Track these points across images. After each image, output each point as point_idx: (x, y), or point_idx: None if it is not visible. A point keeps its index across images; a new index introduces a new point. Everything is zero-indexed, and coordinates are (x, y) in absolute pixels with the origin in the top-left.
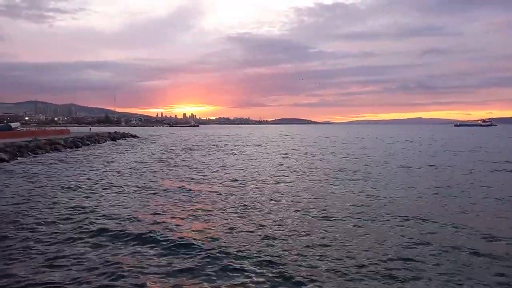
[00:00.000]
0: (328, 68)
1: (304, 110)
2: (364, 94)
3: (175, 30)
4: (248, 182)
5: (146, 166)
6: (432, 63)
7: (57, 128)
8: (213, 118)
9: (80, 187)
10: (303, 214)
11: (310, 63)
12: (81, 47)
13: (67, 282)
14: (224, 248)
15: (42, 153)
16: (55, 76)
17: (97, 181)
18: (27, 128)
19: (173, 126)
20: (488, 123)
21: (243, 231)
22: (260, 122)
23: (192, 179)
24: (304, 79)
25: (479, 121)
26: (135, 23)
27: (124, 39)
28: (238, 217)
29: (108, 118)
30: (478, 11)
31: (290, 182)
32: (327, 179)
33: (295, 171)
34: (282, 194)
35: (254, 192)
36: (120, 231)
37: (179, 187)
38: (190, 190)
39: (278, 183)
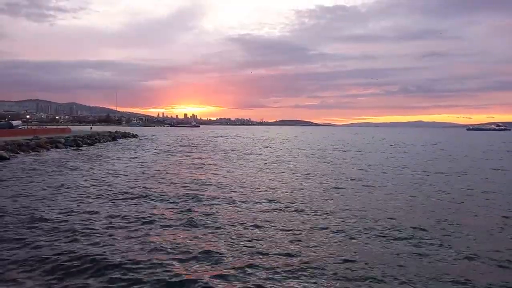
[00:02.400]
0: (329, 70)
1: (305, 111)
2: (365, 97)
3: (176, 30)
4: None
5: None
6: (433, 66)
7: (58, 127)
8: (214, 118)
9: (75, 188)
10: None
11: (311, 65)
12: (83, 46)
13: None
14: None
15: (43, 151)
16: (56, 75)
17: (93, 181)
18: (28, 126)
19: (174, 126)
20: (502, 127)
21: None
22: (261, 123)
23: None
24: (305, 80)
25: (492, 125)
26: (136, 23)
27: (125, 38)
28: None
29: (109, 118)
30: (479, 15)
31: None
32: None
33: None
34: None
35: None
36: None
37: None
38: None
39: None
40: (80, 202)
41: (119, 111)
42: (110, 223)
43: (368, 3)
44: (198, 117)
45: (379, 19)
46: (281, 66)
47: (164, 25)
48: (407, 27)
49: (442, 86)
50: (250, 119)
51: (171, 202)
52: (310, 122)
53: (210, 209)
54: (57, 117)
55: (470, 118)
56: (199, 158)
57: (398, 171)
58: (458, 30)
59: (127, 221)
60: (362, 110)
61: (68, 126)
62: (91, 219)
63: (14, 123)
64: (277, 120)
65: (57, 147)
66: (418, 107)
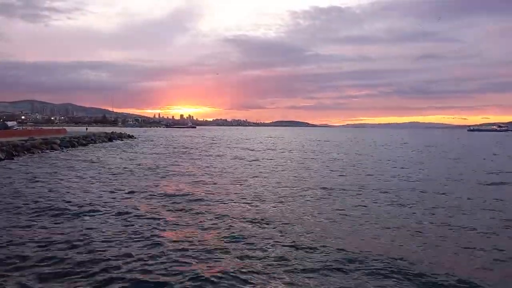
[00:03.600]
0: (325, 71)
1: (301, 112)
2: (361, 98)
3: (173, 32)
4: None
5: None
6: (428, 68)
7: (54, 128)
8: (210, 119)
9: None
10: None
11: (307, 66)
12: (78, 47)
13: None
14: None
15: (38, 153)
16: (52, 76)
17: (89, 183)
18: (24, 127)
19: (170, 127)
20: (503, 128)
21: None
22: (257, 124)
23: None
24: (301, 82)
25: (494, 126)
26: (133, 24)
27: (121, 39)
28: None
29: (105, 118)
30: (474, 17)
31: None
32: None
33: None
34: None
35: None
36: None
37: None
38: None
39: None
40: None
41: (115, 112)
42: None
43: (363, 4)
44: (195, 118)
45: (374, 21)
46: (277, 67)
47: (160, 26)
48: (403, 28)
49: (437, 87)
50: (246, 120)
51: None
52: (306, 123)
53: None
54: (52, 118)
55: (465, 119)
56: (186, 161)
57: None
58: (454, 32)
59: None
60: (358, 111)
61: (64, 127)
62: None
63: (9, 124)
64: (273, 121)
65: (52, 148)
66: (414, 108)
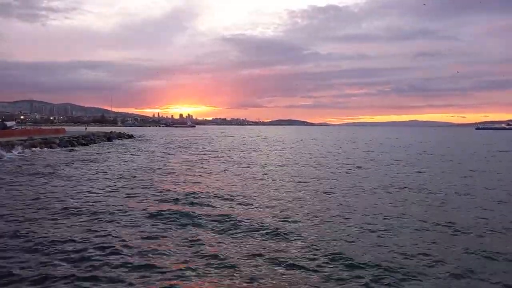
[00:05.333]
0: (323, 70)
1: (300, 111)
2: (359, 96)
3: (171, 31)
4: None
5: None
6: (426, 66)
7: (53, 127)
8: (210, 118)
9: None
10: None
11: (305, 65)
12: (77, 46)
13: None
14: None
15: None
16: (51, 76)
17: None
18: (23, 127)
19: (170, 127)
20: None
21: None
22: (256, 123)
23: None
24: (299, 80)
25: (503, 124)
26: (131, 23)
27: (119, 39)
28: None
29: (104, 118)
30: (472, 16)
31: None
32: None
33: None
34: None
35: None
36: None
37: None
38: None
39: None
40: None
41: (114, 111)
42: None
43: (360, 3)
44: (194, 117)
45: (372, 19)
46: (276, 66)
47: (158, 26)
48: (401, 27)
49: (436, 85)
50: (246, 119)
51: None
52: (305, 122)
53: None
54: (51, 118)
55: (464, 117)
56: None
57: None
58: (452, 30)
59: None
60: (356, 110)
61: (63, 127)
62: None
63: (8, 123)
64: (272, 120)
65: (51, 147)
66: (412, 107)
